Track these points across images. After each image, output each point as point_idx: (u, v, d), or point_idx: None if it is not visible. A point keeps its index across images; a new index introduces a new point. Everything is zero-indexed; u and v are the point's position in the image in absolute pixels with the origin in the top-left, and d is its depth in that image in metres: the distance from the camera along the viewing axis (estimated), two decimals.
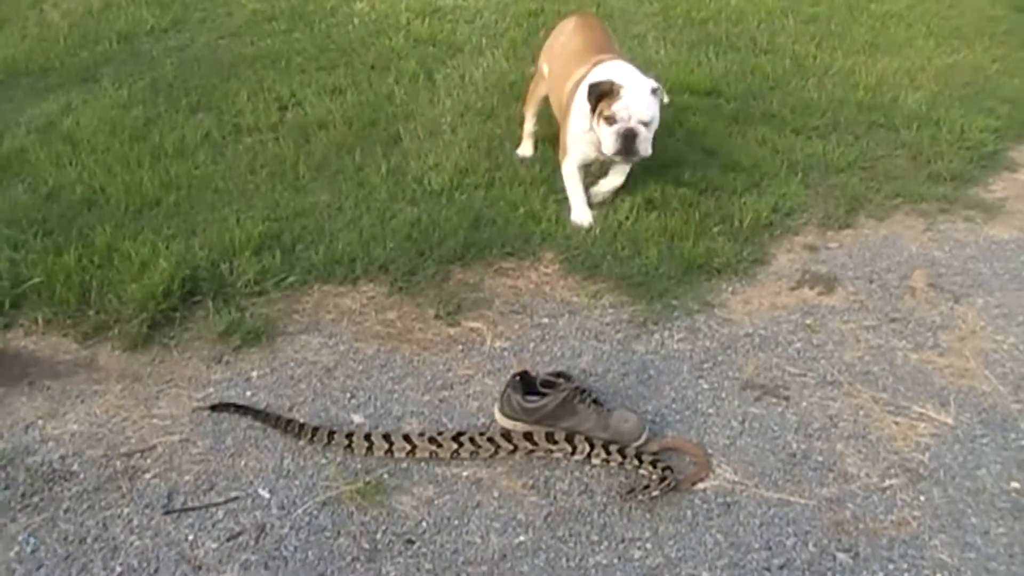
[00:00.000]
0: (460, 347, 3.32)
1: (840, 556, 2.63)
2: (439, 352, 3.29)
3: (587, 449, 2.85)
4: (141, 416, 2.94)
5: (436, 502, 2.70)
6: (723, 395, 3.18)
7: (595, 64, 4.01)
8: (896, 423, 3.11)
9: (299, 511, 2.63)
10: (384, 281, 3.60)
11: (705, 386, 3.22)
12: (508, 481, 2.79)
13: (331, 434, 2.84)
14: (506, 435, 2.87)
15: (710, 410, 3.12)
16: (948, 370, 3.36)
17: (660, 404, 3.12)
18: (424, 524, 2.62)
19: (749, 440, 3.00)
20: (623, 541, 2.62)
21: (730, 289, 3.74)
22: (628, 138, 3.81)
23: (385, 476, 2.76)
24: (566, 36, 4.41)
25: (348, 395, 3.07)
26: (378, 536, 2.58)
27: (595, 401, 2.96)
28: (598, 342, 3.40)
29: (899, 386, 3.27)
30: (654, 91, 3.84)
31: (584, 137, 3.99)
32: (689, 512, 2.73)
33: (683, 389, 3.20)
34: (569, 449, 2.86)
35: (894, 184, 4.55)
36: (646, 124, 3.81)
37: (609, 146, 3.85)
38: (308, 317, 3.41)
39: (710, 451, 2.94)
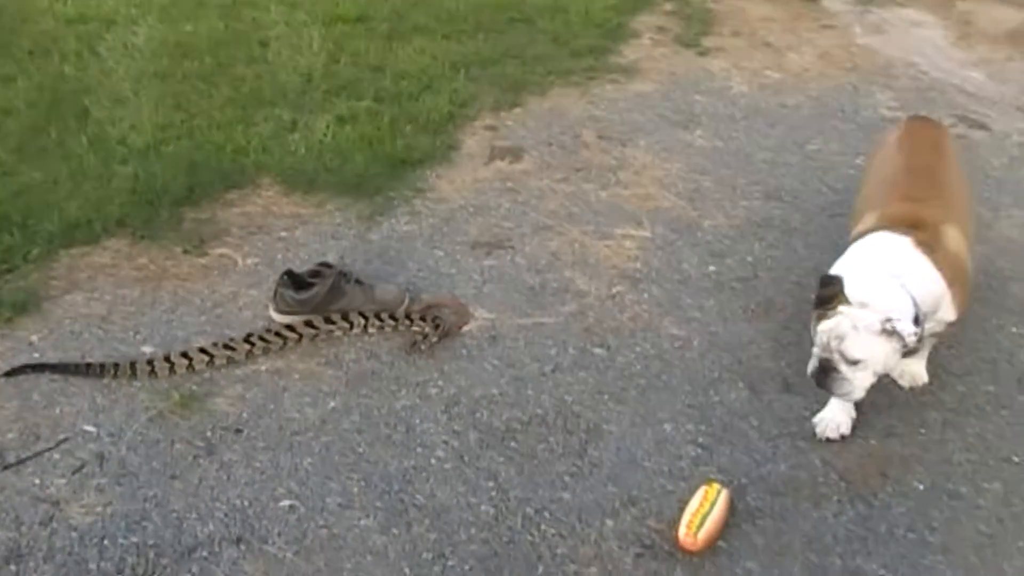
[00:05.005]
0: (216, 272, 3.60)
1: (596, 351, 3.20)
2: (199, 280, 3.55)
3: (363, 322, 3.25)
4: None
5: (247, 396, 3.01)
6: (458, 257, 3.67)
7: (876, 227, 2.96)
8: (607, 246, 3.71)
9: (129, 434, 2.86)
10: (125, 234, 3.78)
11: (441, 253, 3.69)
12: (304, 364, 3.14)
13: (132, 365, 3.07)
14: (289, 327, 3.21)
15: (452, 270, 3.59)
16: (634, 198, 4.00)
17: (408, 276, 3.56)
18: (245, 415, 2.94)
19: (493, 286, 3.50)
20: (418, 384, 3.06)
21: (435, 175, 4.21)
22: (822, 369, 2.77)
23: (194, 388, 3.04)
24: (884, 150, 3.42)
25: (132, 333, 3.28)
26: (208, 434, 2.87)
27: (358, 281, 3.35)
28: (336, 240, 3.78)
29: (599, 219, 3.88)
30: (889, 332, 2.65)
31: None
32: (464, 351, 3.20)
33: (423, 260, 3.65)
34: (347, 325, 3.24)
35: (545, 65, 5.19)
36: (852, 363, 2.71)
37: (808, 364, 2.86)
38: (65, 280, 3.55)
39: (464, 301, 3.42)
